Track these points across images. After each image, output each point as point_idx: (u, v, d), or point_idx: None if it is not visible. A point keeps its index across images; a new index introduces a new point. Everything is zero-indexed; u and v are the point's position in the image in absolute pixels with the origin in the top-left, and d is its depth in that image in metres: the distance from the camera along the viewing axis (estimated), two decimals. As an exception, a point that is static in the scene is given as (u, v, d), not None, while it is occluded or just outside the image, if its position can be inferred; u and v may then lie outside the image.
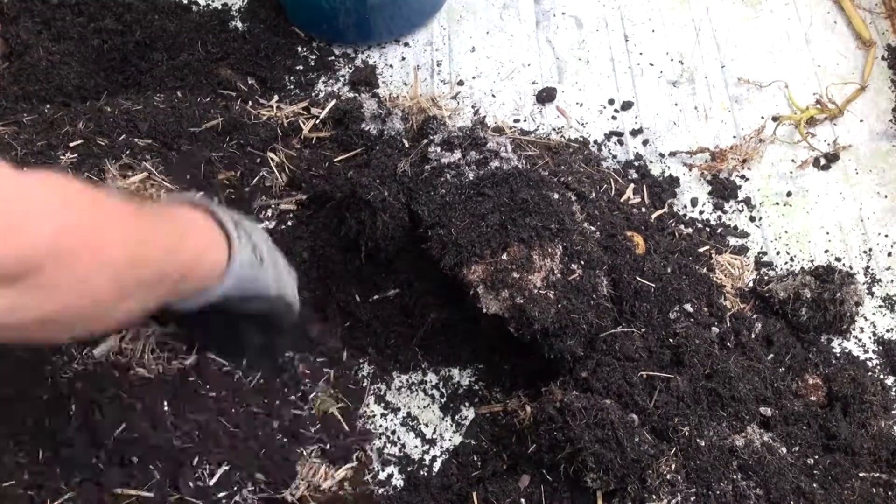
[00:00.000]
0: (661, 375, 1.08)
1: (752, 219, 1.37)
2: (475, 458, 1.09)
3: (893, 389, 1.19)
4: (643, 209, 1.31)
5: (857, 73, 1.53)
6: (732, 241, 1.33)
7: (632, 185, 1.33)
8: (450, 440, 1.12)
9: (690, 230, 1.33)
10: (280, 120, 1.36)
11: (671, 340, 1.14)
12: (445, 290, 1.16)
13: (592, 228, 1.16)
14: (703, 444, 1.00)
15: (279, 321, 0.98)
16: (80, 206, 0.66)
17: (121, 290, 0.69)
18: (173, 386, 0.95)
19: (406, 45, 1.57)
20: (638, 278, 1.16)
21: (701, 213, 1.37)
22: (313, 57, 1.53)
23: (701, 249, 1.29)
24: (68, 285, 0.63)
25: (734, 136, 1.46)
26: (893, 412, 1.14)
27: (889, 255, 1.33)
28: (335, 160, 1.31)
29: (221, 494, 0.93)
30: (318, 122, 1.35)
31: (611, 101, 1.50)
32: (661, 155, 1.44)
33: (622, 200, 1.29)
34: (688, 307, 1.17)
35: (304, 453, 1.00)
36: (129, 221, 0.71)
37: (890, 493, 1.04)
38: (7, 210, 0.59)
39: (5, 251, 0.58)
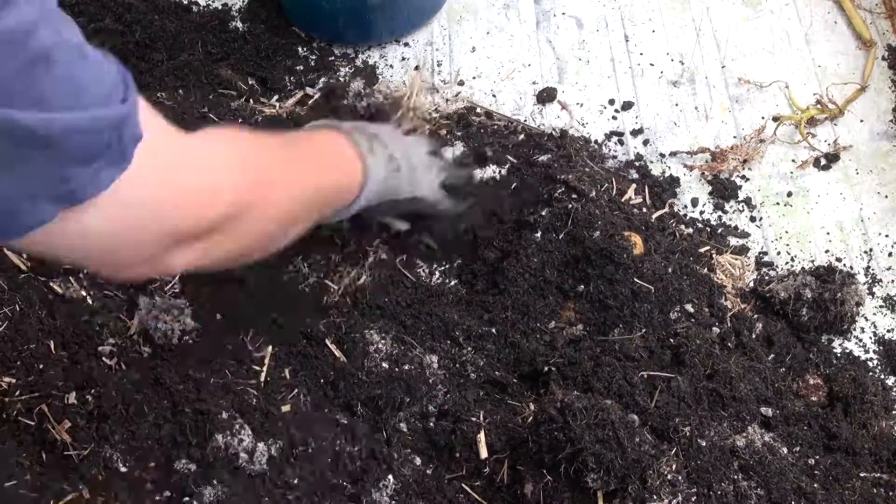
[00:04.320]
0: (661, 375, 1.09)
1: (752, 219, 1.37)
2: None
3: (894, 390, 1.19)
4: (644, 209, 1.31)
5: (857, 74, 1.53)
6: (733, 241, 1.33)
7: (633, 186, 1.33)
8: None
9: (691, 230, 1.33)
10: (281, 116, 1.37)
11: (672, 340, 1.14)
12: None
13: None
14: (703, 444, 1.00)
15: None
16: (255, 165, 0.79)
17: (285, 227, 0.86)
18: None
19: (406, 45, 1.57)
20: (636, 280, 1.17)
21: (701, 213, 1.37)
22: (313, 57, 1.53)
23: (701, 250, 1.29)
24: (247, 233, 0.76)
25: (734, 137, 1.46)
26: (894, 412, 1.14)
27: (890, 255, 1.33)
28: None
29: None
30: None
31: (611, 102, 1.50)
32: (662, 155, 1.44)
33: (623, 200, 1.29)
34: (688, 307, 1.18)
35: None
36: (291, 169, 0.87)
37: (891, 493, 1.04)
38: (198, 184, 0.69)
39: (198, 219, 0.69)
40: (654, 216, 1.31)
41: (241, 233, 0.75)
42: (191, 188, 0.68)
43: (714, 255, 1.29)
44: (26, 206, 0.56)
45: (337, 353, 1.11)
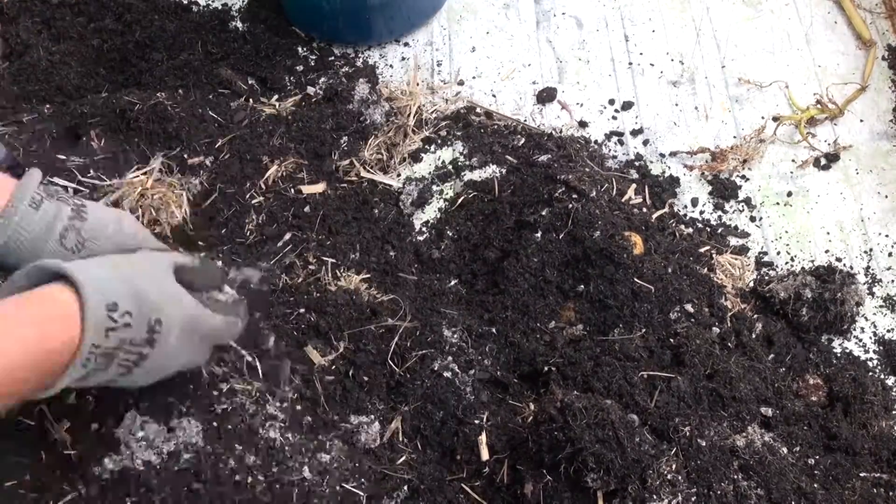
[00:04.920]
0: (661, 375, 1.09)
1: (752, 219, 1.37)
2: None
3: (894, 389, 1.19)
4: (644, 209, 1.31)
5: (857, 73, 1.53)
6: (733, 241, 1.33)
7: (633, 186, 1.33)
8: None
9: (691, 230, 1.33)
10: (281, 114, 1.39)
11: (672, 340, 1.14)
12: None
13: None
14: (703, 444, 1.00)
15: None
16: None
17: None
18: None
19: (406, 45, 1.57)
20: (636, 280, 1.17)
21: (701, 213, 1.37)
22: (313, 57, 1.53)
23: (701, 250, 1.29)
24: None
25: (734, 137, 1.46)
26: (894, 412, 1.14)
27: (890, 255, 1.33)
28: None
29: None
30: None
31: (611, 102, 1.50)
32: (662, 155, 1.44)
33: (623, 200, 1.29)
34: (688, 307, 1.18)
35: None
36: None
37: (891, 493, 1.04)
38: None
39: None
40: (654, 216, 1.31)
41: None
42: None
43: (714, 255, 1.29)
44: None
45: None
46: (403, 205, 1.34)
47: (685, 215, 1.36)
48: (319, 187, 1.33)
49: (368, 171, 1.36)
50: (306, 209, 1.30)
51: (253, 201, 1.29)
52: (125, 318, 0.75)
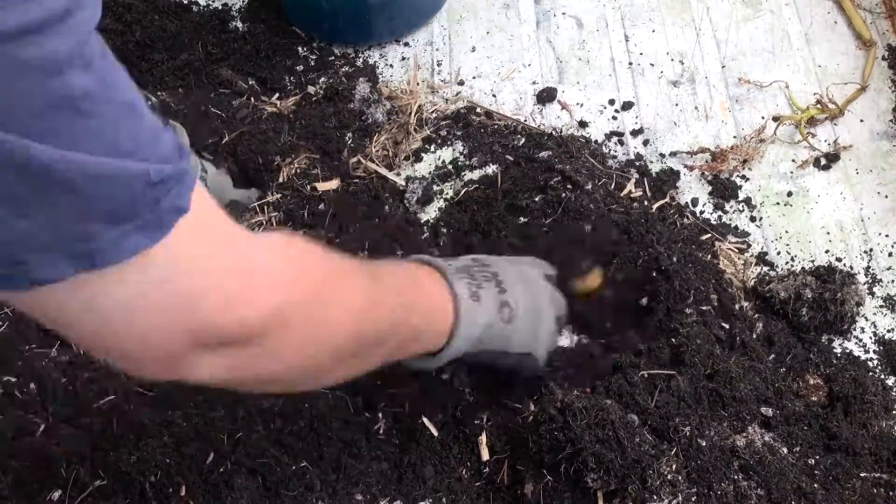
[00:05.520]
0: (661, 375, 1.09)
1: (752, 219, 1.37)
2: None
3: (894, 390, 1.19)
4: (645, 203, 1.31)
5: (857, 73, 1.53)
6: (733, 241, 1.33)
7: (633, 180, 1.33)
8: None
9: (690, 222, 1.33)
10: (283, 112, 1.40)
11: (672, 340, 1.14)
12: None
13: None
14: (704, 444, 1.00)
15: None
16: (314, 279, 0.67)
17: (339, 359, 0.72)
18: None
19: (406, 45, 1.57)
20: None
21: (701, 213, 1.37)
22: (313, 57, 1.53)
23: (704, 237, 1.28)
24: (289, 353, 0.65)
25: (734, 137, 1.46)
26: (894, 412, 1.14)
27: (890, 255, 1.33)
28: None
29: None
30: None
31: (611, 102, 1.50)
32: (662, 155, 1.44)
33: (622, 195, 1.29)
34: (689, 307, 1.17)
35: None
36: (360, 296, 0.73)
37: (891, 493, 1.04)
38: (240, 278, 0.59)
39: (228, 318, 0.58)
40: (655, 206, 1.31)
41: (282, 351, 0.63)
42: (232, 280, 0.58)
43: (716, 243, 1.29)
44: (38, 258, 0.48)
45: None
46: (409, 203, 1.34)
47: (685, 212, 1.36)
48: (333, 184, 1.33)
49: (378, 168, 1.36)
50: (321, 206, 1.30)
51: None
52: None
